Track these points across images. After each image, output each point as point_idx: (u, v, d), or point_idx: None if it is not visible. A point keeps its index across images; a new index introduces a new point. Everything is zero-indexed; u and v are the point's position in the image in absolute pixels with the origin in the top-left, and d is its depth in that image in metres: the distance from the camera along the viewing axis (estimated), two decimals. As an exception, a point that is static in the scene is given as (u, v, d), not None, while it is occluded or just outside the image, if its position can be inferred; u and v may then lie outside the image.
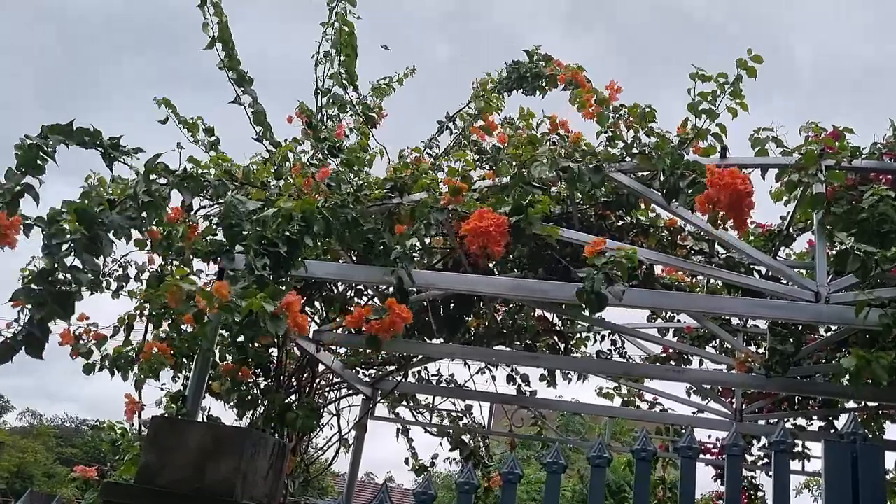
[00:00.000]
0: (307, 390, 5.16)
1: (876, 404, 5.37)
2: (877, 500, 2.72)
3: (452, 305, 5.17)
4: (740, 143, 4.00)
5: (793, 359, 4.28)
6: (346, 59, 4.44)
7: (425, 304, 5.03)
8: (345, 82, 4.48)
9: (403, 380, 5.89)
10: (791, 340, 4.32)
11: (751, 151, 3.91)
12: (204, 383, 3.76)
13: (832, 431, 5.66)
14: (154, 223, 3.63)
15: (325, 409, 5.81)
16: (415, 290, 4.11)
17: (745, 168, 3.86)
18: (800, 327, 4.53)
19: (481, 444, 6.24)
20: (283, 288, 3.16)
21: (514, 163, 3.85)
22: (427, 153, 5.02)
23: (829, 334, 4.72)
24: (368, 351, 5.60)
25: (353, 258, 4.33)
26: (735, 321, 5.30)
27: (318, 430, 5.46)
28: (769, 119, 5.47)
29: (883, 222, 3.53)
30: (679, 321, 5.63)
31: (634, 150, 3.77)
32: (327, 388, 5.73)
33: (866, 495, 2.73)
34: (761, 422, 5.86)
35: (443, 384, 6.04)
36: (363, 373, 5.88)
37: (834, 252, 3.73)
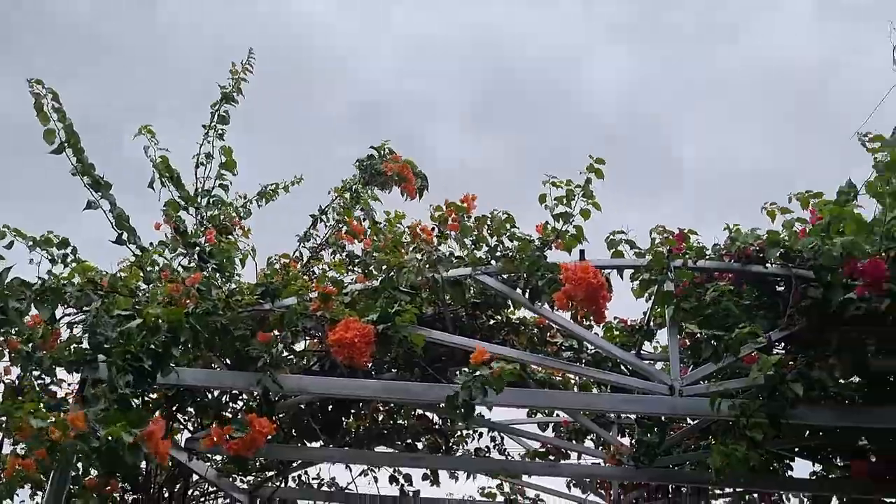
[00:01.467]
0: (180, 502, 4.95)
1: (741, 490, 5.62)
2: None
3: (331, 407, 5.14)
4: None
5: (658, 449, 4.47)
6: (225, 162, 4.51)
7: (302, 406, 4.98)
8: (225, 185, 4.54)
9: (283, 485, 5.73)
10: (656, 431, 4.50)
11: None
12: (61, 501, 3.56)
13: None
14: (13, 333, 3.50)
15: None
16: (289, 394, 4.09)
17: (603, 269, 4.12)
18: (663, 419, 4.74)
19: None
20: (150, 401, 3.09)
21: (383, 267, 3.96)
22: (303, 248, 5.03)
23: (693, 423, 4.95)
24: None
25: (228, 363, 4.28)
26: (611, 415, 5.50)
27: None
28: (659, 218, 5.77)
29: (727, 316, 3.82)
30: (557, 416, 5.77)
31: (498, 254, 3.96)
32: (202, 499, 5.50)
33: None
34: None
35: (324, 488, 5.92)
36: (241, 479, 5.70)
37: (689, 343, 3.99)
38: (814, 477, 5.47)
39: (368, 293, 3.85)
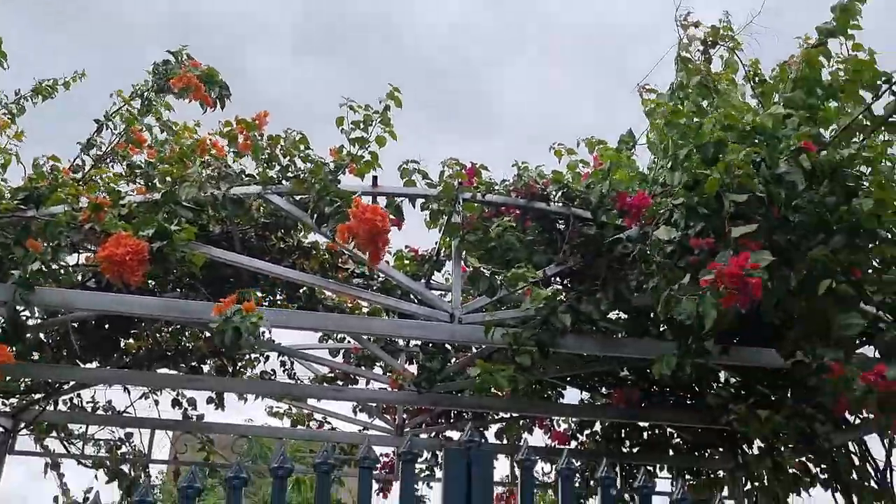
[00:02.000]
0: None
1: (517, 414, 5.98)
2: (486, 494, 3.03)
3: (108, 326, 4.87)
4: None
5: (438, 375, 4.62)
6: None
7: (75, 324, 4.68)
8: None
9: (53, 408, 5.39)
10: (438, 358, 4.66)
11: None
12: None
13: (483, 441, 6.19)
14: None
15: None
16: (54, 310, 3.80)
17: (395, 197, 4.14)
18: (447, 345, 4.91)
19: (142, 473, 5.90)
20: None
21: (167, 179, 3.74)
22: (85, 155, 4.62)
23: (476, 351, 5.16)
24: (8, 378, 5.07)
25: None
26: (401, 342, 5.61)
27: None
28: (472, 156, 5.76)
29: (508, 250, 3.98)
30: (348, 342, 5.82)
31: (290, 174, 3.85)
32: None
33: (477, 495, 3.04)
34: (423, 436, 6.24)
35: (100, 411, 5.62)
36: (3, 402, 5.29)
37: (470, 275, 4.12)
38: (581, 403, 5.95)
39: (148, 206, 3.63)
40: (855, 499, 4.55)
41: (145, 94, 4.59)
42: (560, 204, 4.12)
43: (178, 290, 4.51)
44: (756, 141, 3.62)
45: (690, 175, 3.49)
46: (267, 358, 5.73)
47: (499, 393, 5.68)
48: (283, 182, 3.88)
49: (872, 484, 4.57)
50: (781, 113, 3.62)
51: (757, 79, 4.48)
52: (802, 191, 3.51)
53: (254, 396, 5.83)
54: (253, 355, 5.68)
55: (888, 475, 4.51)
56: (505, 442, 6.16)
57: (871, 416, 4.11)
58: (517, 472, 3.17)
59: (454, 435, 6.08)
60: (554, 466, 5.84)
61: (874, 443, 4.69)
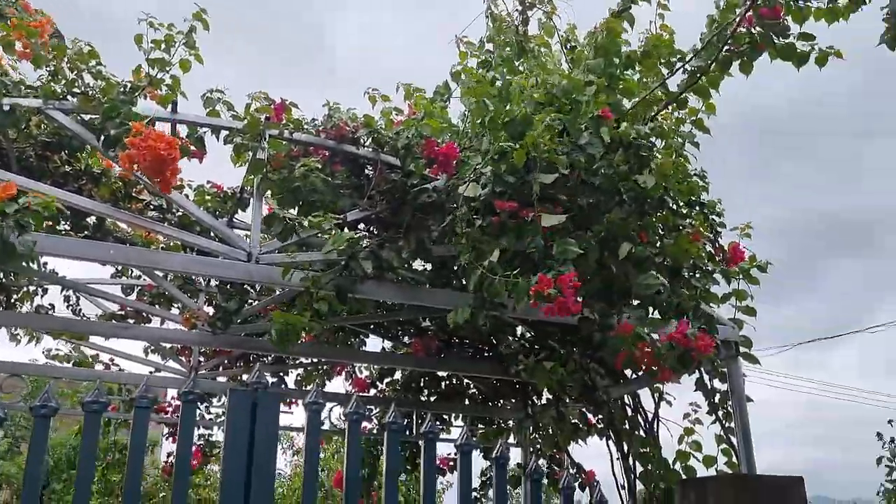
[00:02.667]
0: None
1: (316, 360, 5.94)
2: (270, 437, 2.97)
3: None
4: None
5: (235, 316, 4.47)
6: None
7: None
8: None
9: None
10: (236, 299, 4.49)
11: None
12: None
13: (282, 386, 6.11)
14: None
15: None
16: None
17: (198, 126, 3.90)
18: (246, 287, 4.75)
19: None
20: None
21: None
22: None
23: (278, 293, 5.02)
24: None
25: None
26: (202, 282, 5.36)
27: None
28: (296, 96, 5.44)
29: (313, 192, 3.87)
30: (145, 280, 5.48)
31: (77, 90, 3.51)
32: None
33: (261, 436, 2.97)
34: (221, 379, 6.05)
35: None
36: None
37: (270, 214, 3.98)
38: (382, 352, 6.01)
39: None
40: (626, 445, 4.93)
41: None
42: (370, 149, 4.05)
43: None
44: (560, 104, 3.73)
45: (498, 147, 3.56)
46: (46, 291, 5.28)
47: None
48: (69, 98, 3.53)
49: (641, 433, 4.97)
50: (583, 79, 3.75)
51: (570, 45, 4.62)
52: (601, 157, 3.68)
53: (28, 335, 5.38)
54: (31, 287, 5.21)
55: (655, 424, 4.92)
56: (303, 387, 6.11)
57: (645, 372, 4.47)
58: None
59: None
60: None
61: (646, 396, 5.10)
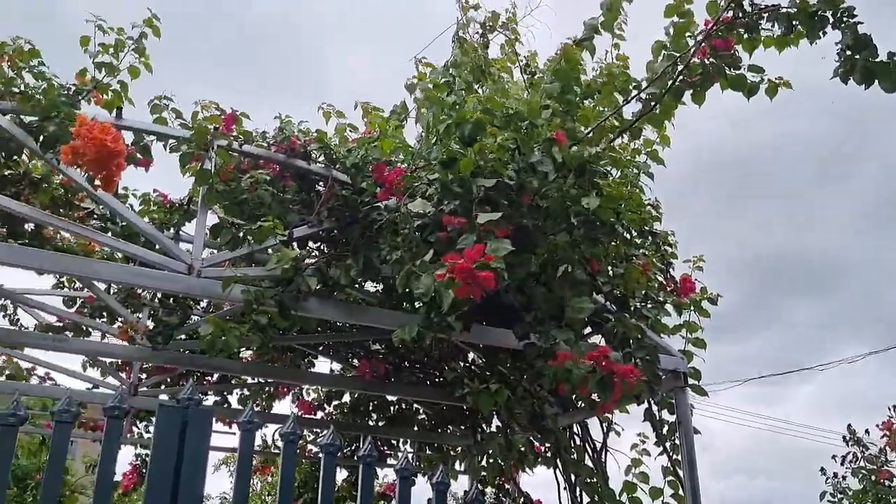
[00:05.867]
0: None
1: (262, 381, 5.80)
2: (199, 458, 2.85)
3: None
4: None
5: (176, 331, 4.33)
6: None
7: None
8: None
9: None
10: (178, 313, 4.36)
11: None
12: None
13: (225, 405, 5.96)
14: None
15: None
16: None
17: (144, 133, 3.80)
18: (189, 300, 4.62)
19: None
20: None
21: None
22: None
23: (227, 308, 4.88)
24: None
25: None
26: (147, 296, 5.19)
27: None
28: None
29: (260, 205, 3.78)
30: (85, 291, 5.30)
31: (15, 90, 3.39)
32: None
33: (190, 454, 2.84)
34: (163, 397, 5.86)
35: None
36: None
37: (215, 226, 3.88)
38: (331, 373, 5.89)
39: None
40: (573, 475, 4.87)
41: None
42: (321, 165, 3.98)
43: None
44: (516, 126, 3.71)
45: (448, 152, 3.51)
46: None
47: (243, 357, 5.49)
48: (6, 99, 3.40)
49: (589, 462, 4.92)
50: (539, 102, 3.74)
51: (530, 70, 4.62)
52: (552, 181, 3.65)
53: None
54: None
55: (602, 454, 4.87)
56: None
57: (582, 401, 4.42)
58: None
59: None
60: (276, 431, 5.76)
61: (596, 426, 5.06)
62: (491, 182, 3.35)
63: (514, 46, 4.74)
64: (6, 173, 3.97)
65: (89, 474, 8.54)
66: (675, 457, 4.43)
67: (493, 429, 5.83)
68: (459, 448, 6.26)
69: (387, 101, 4.74)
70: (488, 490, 5.78)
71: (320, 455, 5.59)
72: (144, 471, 6.04)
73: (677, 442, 4.42)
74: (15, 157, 3.83)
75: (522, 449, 5.33)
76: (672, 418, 4.49)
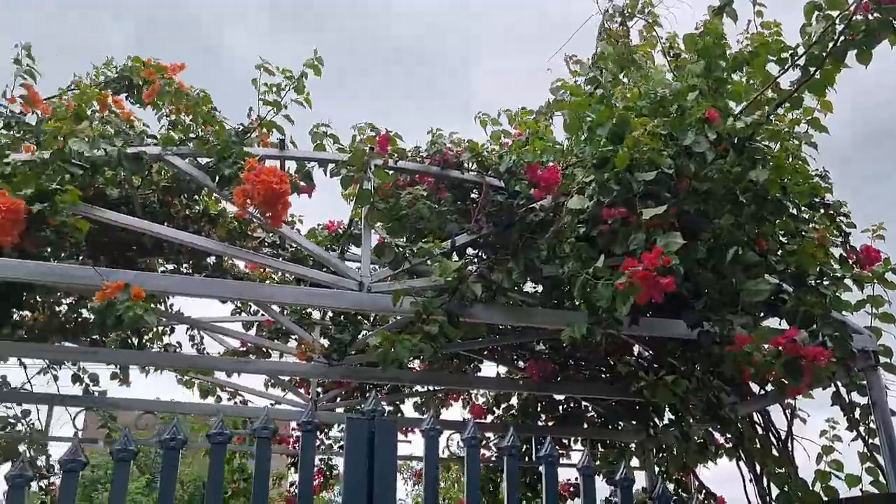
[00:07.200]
0: None
1: (432, 388, 5.95)
2: (388, 465, 2.97)
3: (-2, 297, 4.59)
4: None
5: (349, 347, 4.52)
6: None
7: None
8: None
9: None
10: (349, 329, 4.56)
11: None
12: None
13: (398, 415, 6.15)
14: None
15: None
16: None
17: (304, 161, 4.00)
18: (359, 316, 4.81)
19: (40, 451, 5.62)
20: None
21: (57, 137, 3.51)
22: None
23: (392, 322, 5.06)
24: None
25: None
26: (316, 315, 5.48)
27: None
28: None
29: (420, 219, 3.89)
30: (262, 315, 5.66)
31: (192, 135, 3.68)
32: None
33: (381, 465, 2.97)
34: (339, 410, 6.15)
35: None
36: None
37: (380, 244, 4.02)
38: (497, 377, 5.95)
39: (32, 166, 3.39)
40: (758, 466, 4.67)
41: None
42: (474, 173, 4.05)
43: (76, 256, 4.28)
44: (664, 112, 3.62)
45: (599, 153, 3.48)
46: (173, 330, 5.53)
47: (413, 366, 5.65)
48: (186, 143, 3.70)
49: (774, 452, 4.69)
50: (686, 85, 3.63)
51: (672, 52, 4.50)
52: (711, 162, 3.53)
53: (157, 371, 5.64)
54: (159, 328, 5.47)
55: (789, 443, 4.64)
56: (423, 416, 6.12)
57: (771, 385, 4.22)
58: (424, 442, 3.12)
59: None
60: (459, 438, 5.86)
61: (777, 413, 4.82)
62: (651, 174, 3.30)
63: (653, 30, 4.64)
64: (188, 212, 4.31)
65: (275, 486, 9.06)
66: (871, 441, 4.16)
67: (666, 422, 5.69)
68: (632, 444, 6.15)
69: (532, 102, 4.76)
70: (667, 485, 5.64)
71: (493, 459, 5.67)
72: (328, 473, 6.38)
73: (872, 426, 4.14)
74: (195, 197, 4.15)
75: (700, 441, 5.17)
76: (863, 400, 4.21)
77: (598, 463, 6.11)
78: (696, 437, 5.17)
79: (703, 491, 5.47)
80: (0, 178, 3.23)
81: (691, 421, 5.14)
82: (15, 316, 4.74)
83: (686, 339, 4.07)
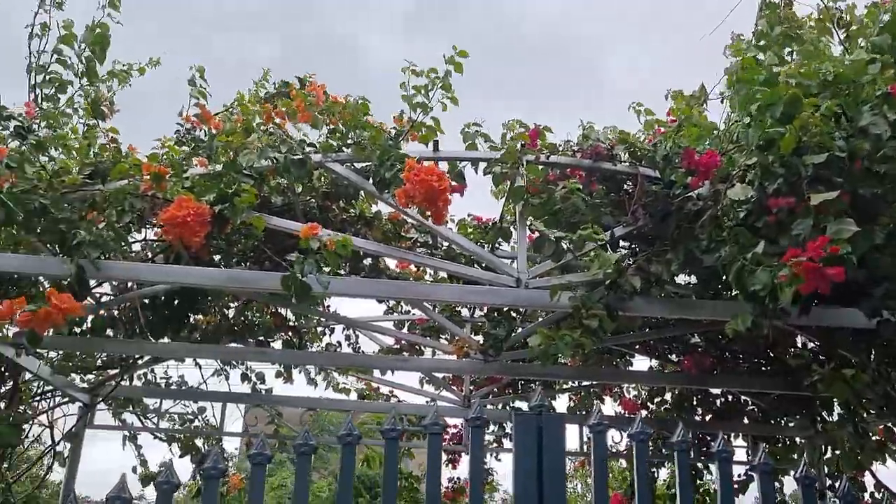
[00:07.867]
0: (8, 401, 4.67)
1: (587, 384, 5.89)
2: (558, 463, 2.97)
3: (177, 301, 4.94)
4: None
5: (505, 342, 4.55)
6: (92, 47, 4.13)
7: (146, 300, 4.76)
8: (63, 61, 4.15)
9: (128, 383, 5.52)
10: (504, 325, 4.58)
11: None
12: None
13: (550, 411, 6.13)
14: None
15: (36, 421, 5.32)
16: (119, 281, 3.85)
17: (456, 160, 4.06)
18: (512, 312, 4.83)
19: (216, 446, 6.00)
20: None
21: (228, 150, 3.74)
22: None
23: (546, 317, 5.05)
24: (84, 354, 5.21)
25: (56, 251, 3.98)
26: (466, 313, 5.56)
27: (25, 443, 4.96)
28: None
29: (575, 213, 3.86)
30: (414, 314, 5.79)
31: (350, 141, 3.81)
32: (35, 398, 5.21)
33: (549, 460, 2.97)
34: (490, 407, 6.20)
35: (173, 386, 5.75)
36: (81, 378, 5.44)
37: (535, 239, 4.02)
38: (650, 371, 5.82)
39: (209, 177, 3.63)
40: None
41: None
42: (627, 164, 3.98)
43: (243, 264, 4.54)
44: (837, 90, 3.42)
45: (764, 134, 3.33)
46: (332, 331, 5.76)
47: (566, 362, 5.61)
48: (344, 150, 3.85)
49: (964, 450, 4.35)
50: (863, 59, 3.40)
51: (845, 24, 4.23)
52: (888, 140, 3.31)
53: (319, 370, 5.89)
54: (319, 329, 5.71)
55: (981, 441, 4.28)
56: (575, 412, 6.09)
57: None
58: (588, 440, 3.10)
59: (523, 406, 6.02)
60: (624, 434, 5.76)
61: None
62: (821, 157, 3.12)
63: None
64: (345, 216, 4.47)
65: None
66: None
67: (835, 417, 5.37)
68: (797, 439, 5.85)
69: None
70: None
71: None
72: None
73: None
74: (352, 200, 4.30)
75: (878, 437, 4.85)
76: None
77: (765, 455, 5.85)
78: (871, 434, 4.86)
79: (882, 490, 5.14)
80: (182, 189, 3.48)
81: (865, 416, 4.84)
82: (190, 319, 5.08)
83: (858, 328, 3.84)
